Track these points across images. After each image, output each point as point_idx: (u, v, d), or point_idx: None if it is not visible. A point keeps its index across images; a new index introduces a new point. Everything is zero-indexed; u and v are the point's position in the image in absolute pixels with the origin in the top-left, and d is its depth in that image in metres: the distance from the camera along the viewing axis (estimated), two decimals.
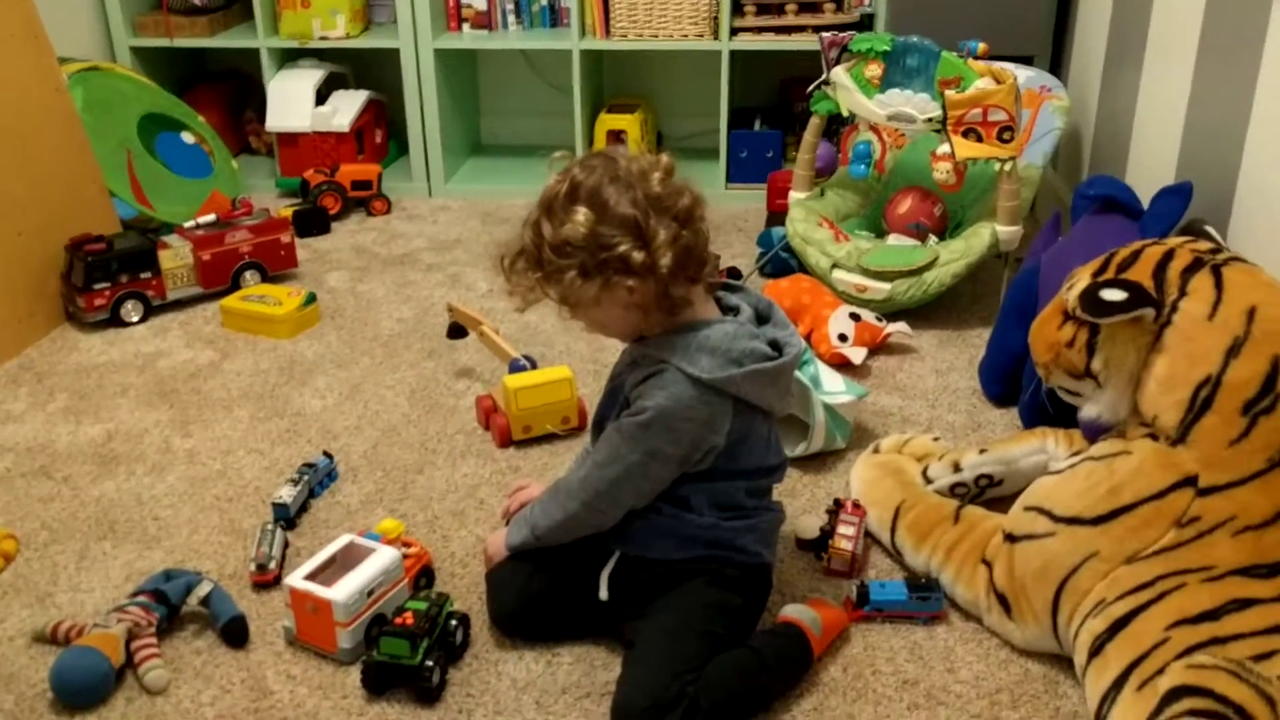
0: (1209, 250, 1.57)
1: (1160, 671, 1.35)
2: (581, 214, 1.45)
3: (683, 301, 1.50)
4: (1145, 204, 2.09)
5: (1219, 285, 1.50)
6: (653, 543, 1.57)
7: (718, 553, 1.57)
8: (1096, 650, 1.44)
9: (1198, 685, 1.28)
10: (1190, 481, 1.46)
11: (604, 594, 1.58)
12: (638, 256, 1.44)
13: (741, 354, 1.50)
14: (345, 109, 3.46)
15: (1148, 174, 2.40)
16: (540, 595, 1.61)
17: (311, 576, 1.61)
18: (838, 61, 2.63)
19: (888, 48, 2.57)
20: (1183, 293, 1.51)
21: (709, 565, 1.56)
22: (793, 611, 1.60)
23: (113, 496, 2.01)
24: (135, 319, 2.67)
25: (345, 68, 3.62)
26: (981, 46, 2.57)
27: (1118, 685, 1.39)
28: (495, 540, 1.69)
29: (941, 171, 2.53)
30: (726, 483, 1.57)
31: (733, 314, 1.57)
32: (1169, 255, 1.56)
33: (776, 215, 2.96)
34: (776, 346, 1.55)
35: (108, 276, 2.61)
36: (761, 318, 1.59)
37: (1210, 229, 1.84)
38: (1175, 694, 1.29)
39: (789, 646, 1.55)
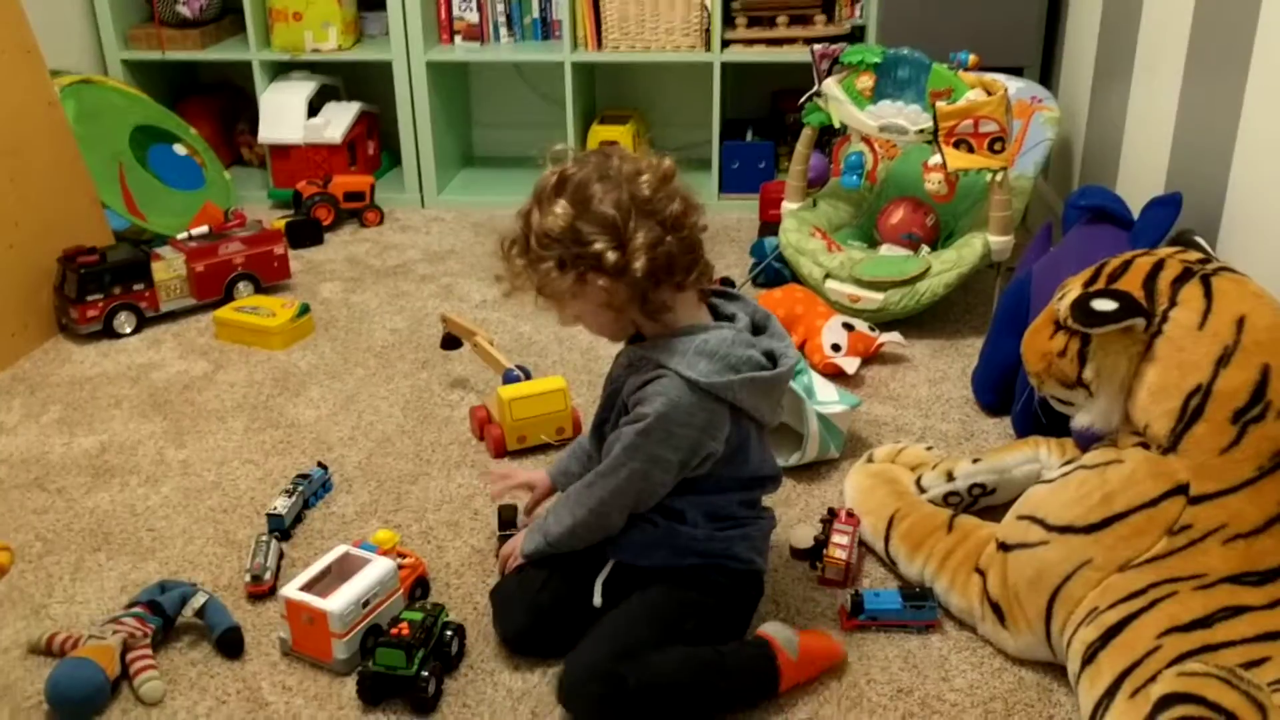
0: (1199, 260, 1.58)
1: (1152, 679, 1.35)
2: (560, 207, 1.45)
3: (661, 307, 1.50)
4: (1135, 214, 2.10)
5: (1209, 295, 1.52)
6: (647, 553, 1.58)
7: (711, 561, 1.57)
8: (1089, 658, 1.45)
9: (1190, 692, 1.29)
10: (1182, 490, 1.47)
11: (598, 600, 1.58)
12: (611, 257, 1.44)
13: (739, 361, 1.50)
14: (337, 121, 3.47)
15: (1138, 184, 2.42)
16: (549, 609, 1.61)
17: (307, 587, 1.61)
18: (829, 73, 2.64)
19: (879, 60, 2.58)
20: (1173, 302, 1.52)
21: (701, 573, 1.57)
22: (771, 629, 1.58)
23: (107, 508, 2.01)
24: (128, 330, 2.67)
25: (337, 80, 3.63)
26: (972, 58, 2.59)
27: (1110, 693, 1.40)
28: (511, 547, 1.70)
29: (933, 182, 2.54)
30: (721, 495, 1.57)
31: (729, 322, 1.57)
32: (1159, 265, 1.57)
33: (769, 226, 2.97)
34: (771, 357, 1.55)
35: (101, 288, 2.61)
36: (758, 328, 1.60)
37: (1200, 239, 1.85)
38: (1167, 701, 1.30)
39: (752, 659, 1.54)
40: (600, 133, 3.44)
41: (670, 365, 1.48)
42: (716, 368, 1.48)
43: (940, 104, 2.45)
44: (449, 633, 1.60)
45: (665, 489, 1.54)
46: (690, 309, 1.55)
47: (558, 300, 1.52)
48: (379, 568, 1.64)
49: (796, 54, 3.22)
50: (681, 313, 1.53)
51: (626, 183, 1.46)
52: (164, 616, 1.65)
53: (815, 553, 1.79)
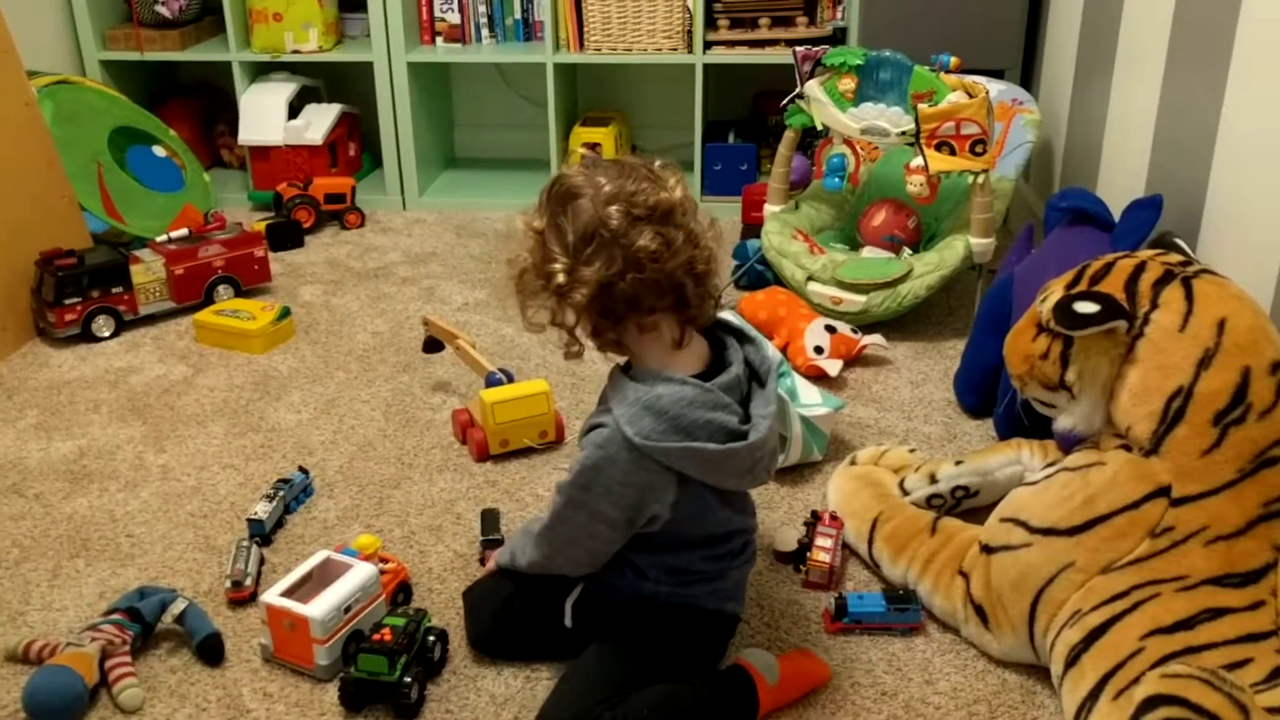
0: (1180, 263, 1.59)
1: (1136, 681, 1.36)
2: (539, 214, 1.44)
3: (612, 344, 1.44)
4: (1116, 216, 2.11)
5: (1190, 297, 1.52)
6: (614, 590, 1.55)
7: (678, 608, 1.53)
8: (1073, 660, 1.45)
9: (1173, 694, 1.29)
10: (1164, 492, 1.47)
11: (568, 621, 1.56)
12: (560, 279, 1.39)
13: (692, 424, 1.39)
14: (318, 122, 3.45)
15: (1118, 187, 2.43)
16: (516, 618, 1.60)
17: (288, 593, 1.60)
18: (811, 75, 2.64)
19: (861, 62, 2.59)
20: (1154, 305, 1.53)
21: (668, 617, 1.53)
22: (750, 656, 1.55)
23: (85, 514, 1.99)
24: (107, 334, 2.65)
25: (318, 81, 3.61)
26: (954, 60, 2.59)
27: (1094, 695, 1.40)
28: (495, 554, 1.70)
29: (915, 184, 2.55)
30: (681, 553, 1.51)
31: (726, 369, 1.46)
32: (1141, 268, 1.58)
33: (751, 228, 2.97)
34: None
35: (79, 291, 2.59)
36: (760, 380, 1.50)
37: (1180, 241, 1.86)
38: (1151, 703, 1.30)
39: (729, 691, 1.50)
40: (582, 134, 3.43)
41: (615, 414, 1.40)
42: (661, 428, 1.37)
43: (922, 106, 2.45)
44: (431, 638, 1.59)
45: (616, 544, 1.48)
46: (660, 352, 1.45)
47: (523, 300, 1.47)
48: (361, 573, 1.63)
49: (778, 56, 3.22)
50: (650, 355, 1.45)
51: (601, 206, 1.38)
52: (143, 623, 1.64)
53: (799, 556, 1.79)
